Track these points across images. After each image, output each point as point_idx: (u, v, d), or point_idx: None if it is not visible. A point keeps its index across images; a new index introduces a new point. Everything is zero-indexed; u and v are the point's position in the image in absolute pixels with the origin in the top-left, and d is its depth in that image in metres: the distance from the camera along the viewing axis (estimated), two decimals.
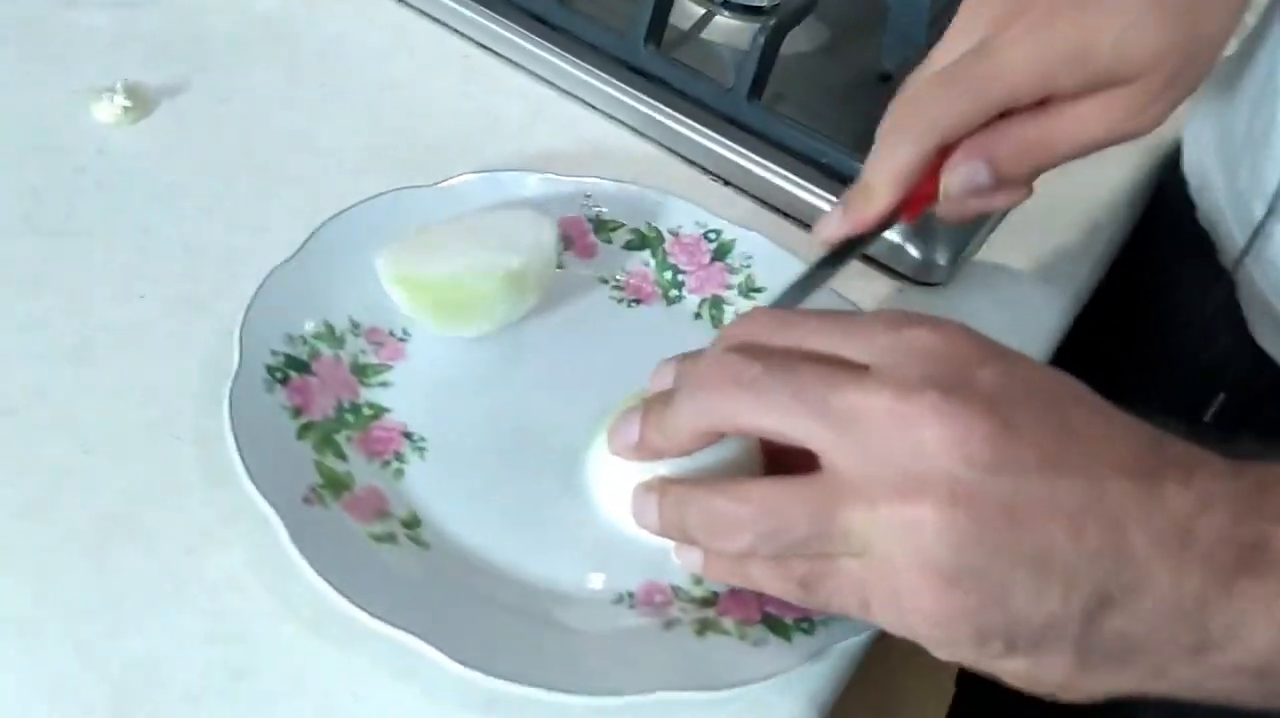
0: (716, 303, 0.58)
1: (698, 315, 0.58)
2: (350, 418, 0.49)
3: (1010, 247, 0.67)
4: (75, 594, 0.43)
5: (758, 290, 0.58)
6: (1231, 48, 0.77)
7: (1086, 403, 0.37)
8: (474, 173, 0.58)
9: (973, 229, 0.65)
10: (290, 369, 0.49)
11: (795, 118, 0.66)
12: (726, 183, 0.67)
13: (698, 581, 0.47)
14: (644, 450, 0.42)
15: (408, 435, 0.50)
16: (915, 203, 0.50)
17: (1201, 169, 0.65)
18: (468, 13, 0.71)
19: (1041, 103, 0.48)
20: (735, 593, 0.46)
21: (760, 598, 0.45)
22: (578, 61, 0.69)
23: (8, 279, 0.54)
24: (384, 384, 0.51)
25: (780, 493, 0.37)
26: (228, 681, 0.42)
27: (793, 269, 0.53)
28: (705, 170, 0.67)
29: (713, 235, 0.59)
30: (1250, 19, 0.82)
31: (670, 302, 0.58)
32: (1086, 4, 0.47)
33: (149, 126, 0.62)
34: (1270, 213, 0.56)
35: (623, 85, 0.68)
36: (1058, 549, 0.34)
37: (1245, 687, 0.36)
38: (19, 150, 0.60)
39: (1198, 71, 0.49)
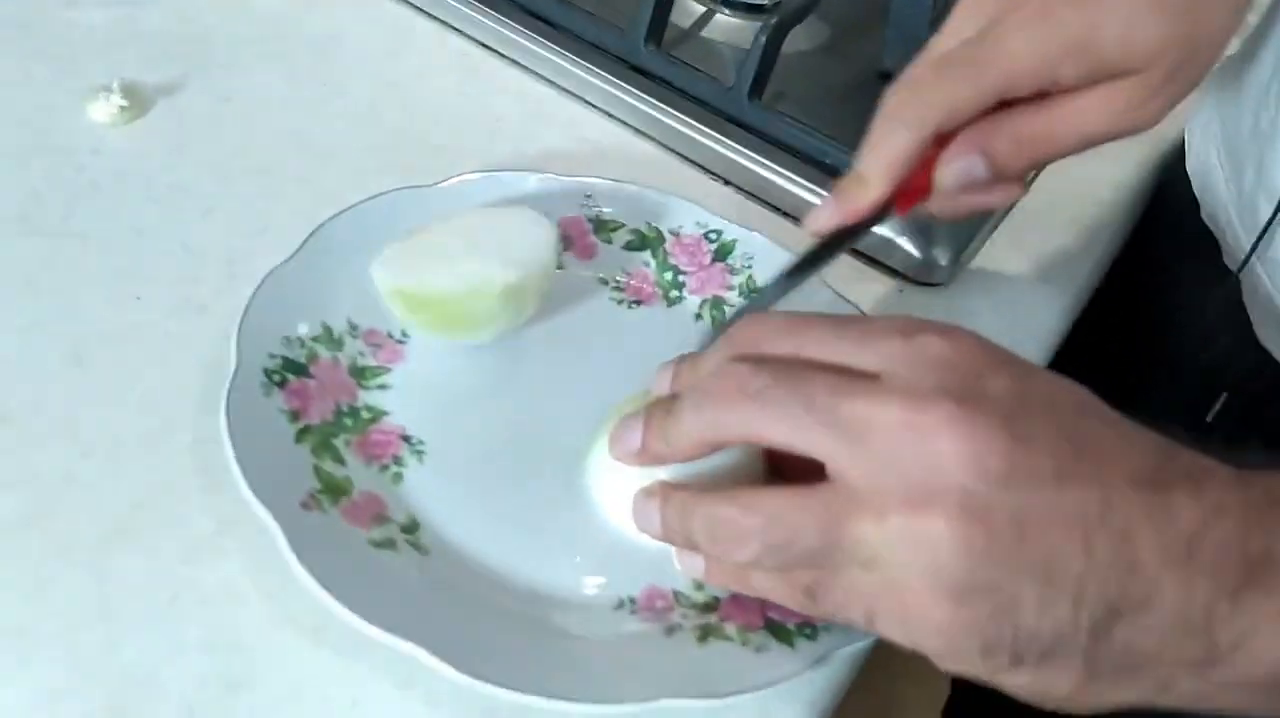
0: (717, 304, 0.57)
1: (699, 316, 0.57)
2: (349, 421, 0.49)
3: (1011, 246, 0.67)
4: (71, 603, 0.43)
5: (759, 292, 0.57)
6: (1234, 46, 0.76)
7: (1096, 413, 0.37)
8: (474, 173, 0.58)
9: (973, 229, 0.64)
10: (288, 372, 0.49)
11: (796, 117, 0.66)
12: (727, 182, 0.66)
13: (699, 586, 0.47)
14: (646, 457, 0.41)
15: (406, 439, 0.49)
16: (909, 196, 0.49)
17: (1205, 168, 0.65)
18: (468, 11, 0.71)
19: (1040, 96, 0.47)
20: (737, 598, 0.45)
21: (763, 603, 0.44)
22: (578, 60, 0.69)
23: (3, 281, 0.53)
24: (382, 387, 0.51)
25: (788, 503, 0.37)
26: (225, 691, 0.42)
27: None
28: (706, 170, 0.67)
29: (714, 236, 0.59)
30: (1253, 18, 0.82)
31: (671, 303, 0.58)
32: None
33: (145, 126, 0.62)
34: (1278, 212, 0.55)
35: (623, 84, 0.68)
36: (1067, 563, 0.34)
37: (1252, 700, 0.36)
38: (16, 150, 0.59)
39: (1199, 67, 0.48)
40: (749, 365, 0.38)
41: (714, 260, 0.58)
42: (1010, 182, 0.50)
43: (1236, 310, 0.60)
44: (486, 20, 0.70)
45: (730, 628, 0.45)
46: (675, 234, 0.59)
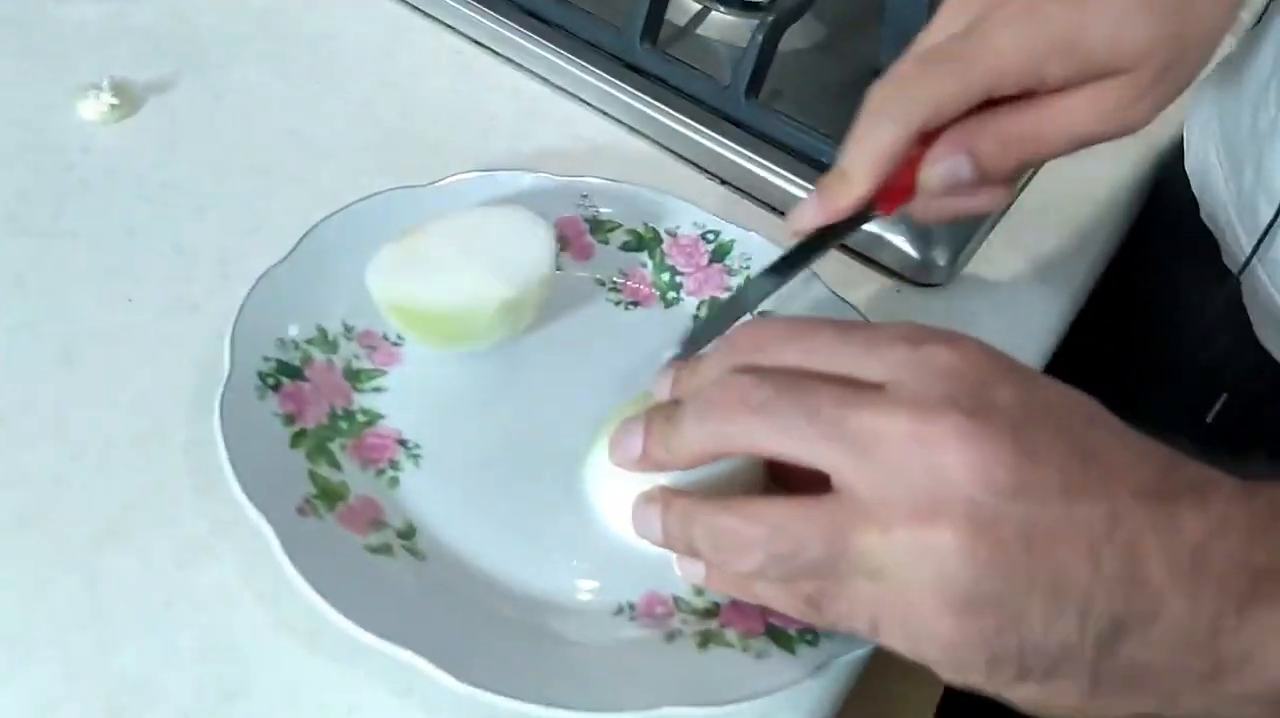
0: (715, 305, 0.57)
1: (696, 317, 0.57)
2: (344, 425, 0.48)
3: (1008, 247, 0.67)
4: (63, 610, 0.42)
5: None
6: (1231, 45, 0.76)
7: (1103, 423, 0.37)
8: (470, 172, 0.57)
9: (971, 229, 0.64)
10: (282, 375, 0.48)
11: (792, 115, 0.66)
12: (723, 182, 0.66)
13: (699, 591, 0.46)
14: (647, 463, 0.41)
15: (402, 443, 0.49)
16: (894, 195, 0.48)
17: (1204, 167, 0.65)
18: (463, 9, 0.70)
19: (1027, 95, 0.47)
20: (737, 604, 0.45)
21: (763, 609, 0.44)
22: (573, 58, 0.68)
23: None
24: (377, 390, 0.50)
25: (793, 514, 0.37)
26: (220, 699, 0.41)
27: None
28: (702, 169, 0.67)
29: (711, 236, 0.58)
30: (1245, 16, 0.82)
31: (668, 304, 0.57)
32: None
33: (136, 124, 0.61)
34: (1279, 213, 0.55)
35: (618, 82, 0.68)
36: (1074, 576, 0.34)
37: (1258, 714, 0.35)
38: (4, 149, 0.58)
39: (1189, 68, 0.48)
40: (752, 377, 0.38)
41: (711, 261, 0.58)
42: (995, 185, 0.49)
43: (1236, 311, 0.60)
44: (481, 18, 0.70)
45: (731, 634, 0.44)
46: (672, 234, 0.58)
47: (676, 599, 0.46)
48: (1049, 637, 0.34)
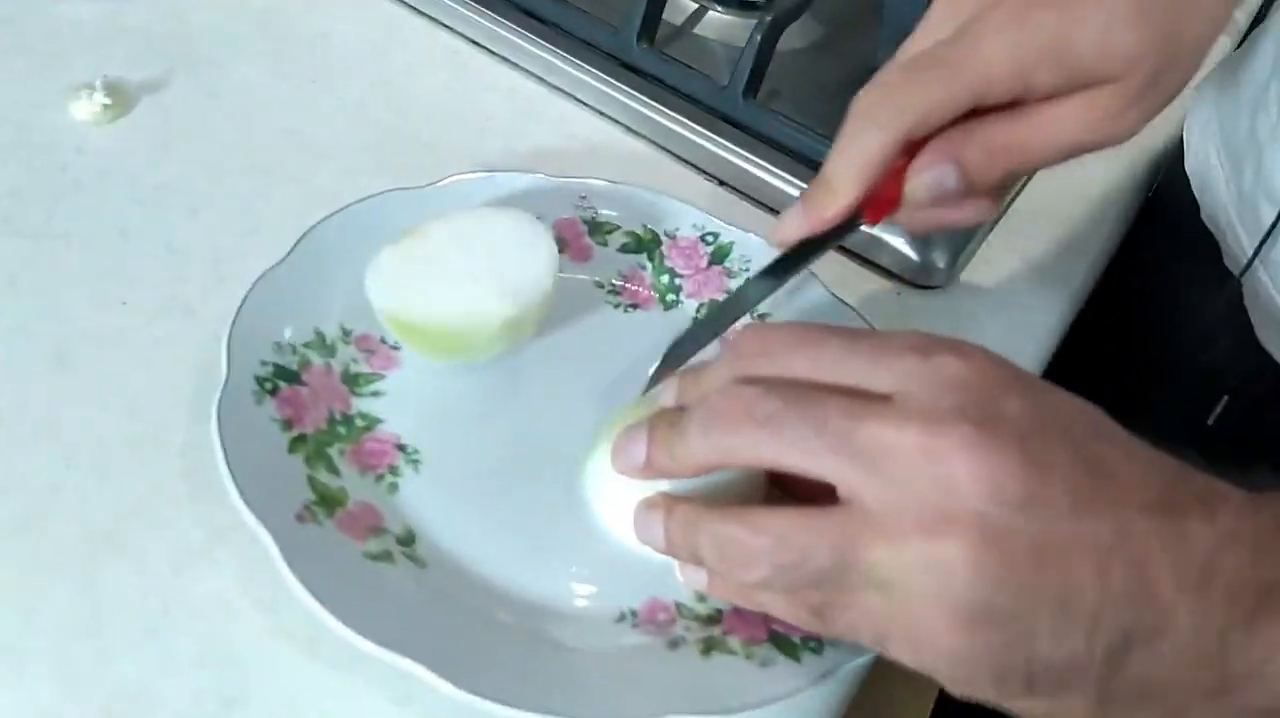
0: (714, 307, 0.57)
1: (696, 320, 0.56)
2: (342, 430, 0.48)
3: (1007, 248, 0.66)
4: (59, 618, 0.42)
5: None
6: (1228, 46, 0.76)
7: (1111, 435, 0.36)
8: (468, 173, 0.57)
9: (970, 231, 0.64)
10: (280, 379, 0.48)
11: (790, 116, 0.65)
12: (721, 182, 0.66)
13: (701, 598, 0.46)
14: (650, 471, 0.41)
15: (401, 448, 0.48)
16: (879, 205, 0.48)
17: (1205, 168, 0.64)
18: (458, 8, 0.70)
19: (1015, 104, 0.46)
20: (740, 610, 0.45)
21: (767, 616, 0.44)
22: (569, 58, 0.68)
23: None
24: (376, 394, 0.50)
25: (800, 525, 0.36)
26: (219, 707, 0.41)
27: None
28: (699, 169, 0.66)
29: (710, 238, 0.58)
30: (1240, 16, 0.82)
31: (668, 306, 0.57)
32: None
33: (130, 124, 0.61)
34: None
35: (615, 82, 0.67)
36: (1083, 591, 0.33)
37: None
38: None
39: (1177, 78, 0.47)
40: (758, 389, 0.37)
41: (711, 263, 0.57)
42: (982, 197, 0.49)
43: (1237, 313, 0.60)
44: (477, 17, 0.69)
45: (734, 641, 0.44)
46: (671, 236, 0.58)
47: (679, 606, 0.46)
48: (1057, 651, 0.34)
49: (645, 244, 0.58)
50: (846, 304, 0.56)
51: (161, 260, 0.54)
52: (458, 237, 0.50)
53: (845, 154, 0.46)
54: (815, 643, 0.44)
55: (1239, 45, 0.73)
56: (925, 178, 0.46)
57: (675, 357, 0.48)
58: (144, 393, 0.49)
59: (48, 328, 0.51)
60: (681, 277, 0.57)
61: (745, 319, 0.54)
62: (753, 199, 0.65)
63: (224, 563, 0.44)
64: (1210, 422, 0.62)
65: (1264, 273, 0.57)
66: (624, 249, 0.57)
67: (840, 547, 0.35)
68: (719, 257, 0.58)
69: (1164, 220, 0.70)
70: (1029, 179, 0.69)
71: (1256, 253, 0.56)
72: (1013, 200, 0.68)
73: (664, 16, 0.68)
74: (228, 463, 0.43)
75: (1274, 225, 0.55)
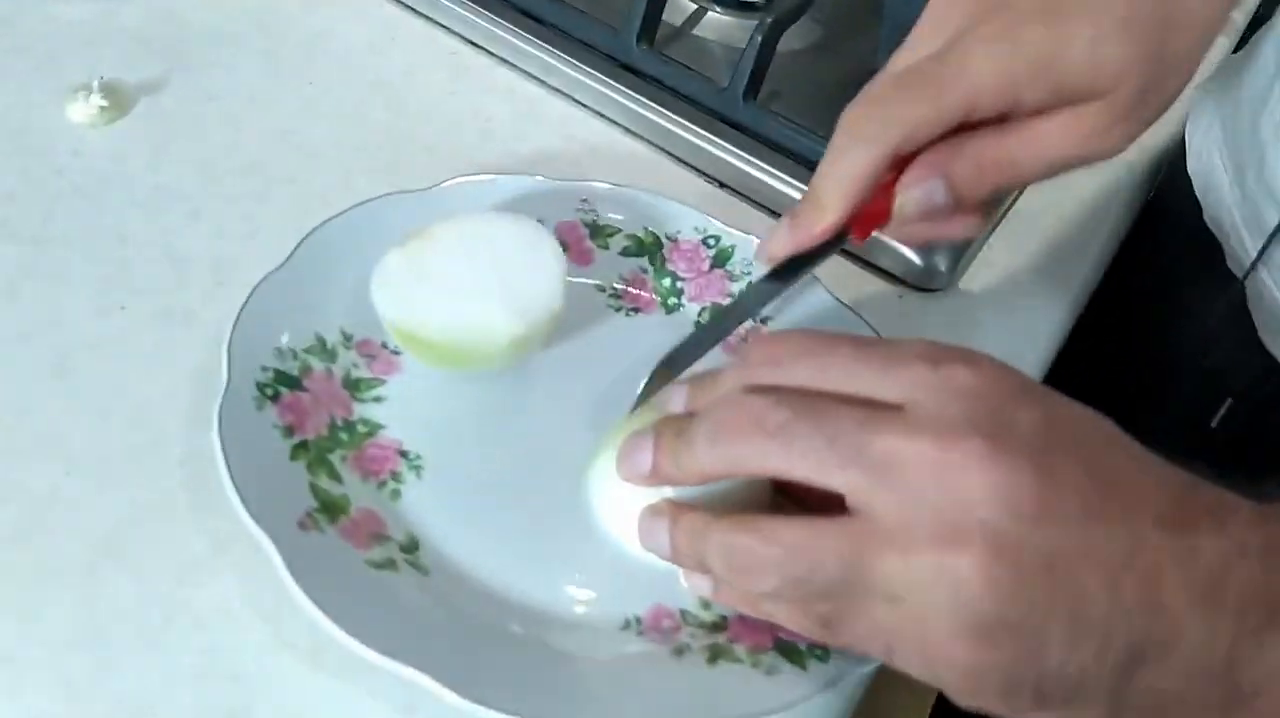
0: (720, 307, 0.56)
1: (698, 324, 0.56)
2: (344, 436, 0.48)
3: (1009, 251, 0.66)
4: (59, 629, 0.42)
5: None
6: (1225, 47, 0.76)
7: (1121, 446, 0.36)
8: (468, 177, 0.56)
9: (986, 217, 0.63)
10: (281, 385, 0.47)
11: (790, 117, 0.65)
12: (721, 185, 0.65)
13: (706, 604, 0.46)
14: (656, 479, 0.40)
15: (403, 454, 0.48)
16: (867, 221, 0.47)
17: (1207, 169, 0.64)
18: (457, 9, 0.69)
19: (1003, 120, 0.46)
20: (746, 617, 0.44)
21: (772, 623, 0.43)
22: (569, 59, 0.68)
23: None
24: (377, 399, 0.49)
25: (810, 535, 0.36)
26: None
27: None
28: (699, 172, 0.66)
29: (712, 241, 0.58)
30: (1238, 16, 0.82)
31: (669, 310, 0.57)
32: (1055, 14, 0.44)
33: (127, 127, 0.60)
34: None
35: (615, 84, 0.67)
36: (1094, 604, 0.33)
37: None
38: None
39: (1166, 93, 0.47)
40: (768, 398, 0.37)
41: (713, 267, 0.57)
42: (970, 212, 0.48)
43: (1240, 315, 0.60)
44: (476, 18, 0.69)
45: (740, 649, 0.44)
46: (673, 239, 0.58)
47: (683, 613, 0.45)
48: (1067, 665, 0.34)
49: (647, 247, 0.57)
50: (849, 308, 0.56)
51: (160, 264, 0.54)
52: (465, 242, 0.50)
53: (833, 170, 0.46)
54: (821, 650, 0.43)
55: (1237, 46, 0.73)
56: (914, 193, 0.46)
57: (674, 364, 0.47)
58: (144, 400, 0.49)
59: (47, 334, 0.50)
60: (683, 280, 0.57)
61: (748, 323, 0.54)
62: (753, 201, 0.65)
63: (226, 572, 0.44)
64: (1213, 424, 0.62)
65: (1268, 275, 0.57)
66: (625, 253, 0.57)
67: (851, 558, 0.35)
68: (720, 260, 0.57)
69: (1165, 222, 0.70)
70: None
71: (1260, 255, 0.56)
72: (1013, 203, 0.68)
73: (663, 17, 0.68)
74: (229, 471, 0.43)
75: (1278, 228, 0.55)
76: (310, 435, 0.47)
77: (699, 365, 0.47)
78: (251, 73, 0.65)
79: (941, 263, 0.62)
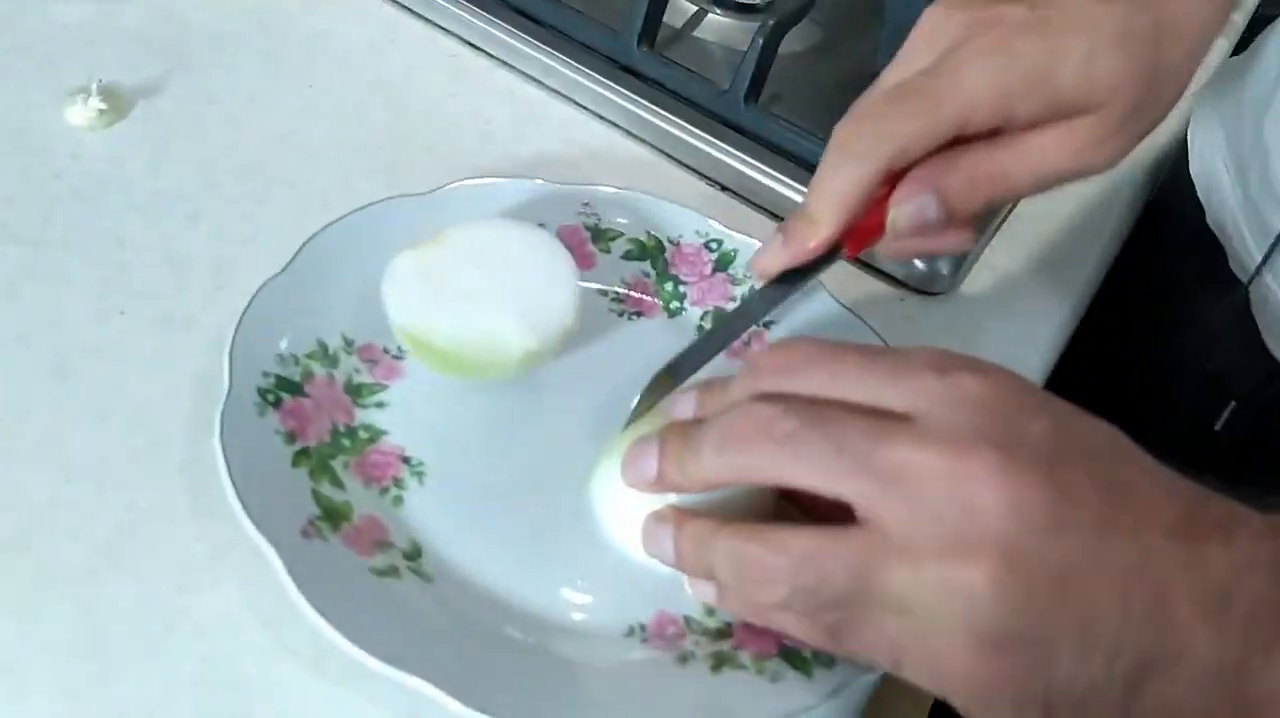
0: (719, 315, 0.56)
1: (700, 328, 0.56)
2: (346, 442, 0.47)
3: (1010, 253, 0.66)
4: (60, 636, 0.41)
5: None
6: (1224, 48, 0.76)
7: (1132, 457, 0.36)
8: (468, 180, 0.56)
9: (977, 231, 0.63)
10: (283, 391, 0.47)
11: (791, 119, 0.65)
12: (723, 188, 0.65)
13: (710, 611, 0.45)
14: (661, 486, 0.40)
15: (406, 460, 0.48)
16: (860, 236, 0.47)
17: (1210, 171, 0.64)
18: (457, 10, 0.69)
19: (995, 134, 0.45)
20: (750, 623, 0.44)
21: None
22: (569, 61, 0.67)
23: None
24: (379, 405, 0.49)
25: (820, 546, 0.36)
26: None
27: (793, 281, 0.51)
28: (700, 174, 0.66)
29: (714, 245, 0.57)
30: (1237, 17, 0.82)
31: (672, 314, 0.56)
32: (1047, 27, 0.44)
33: (126, 129, 0.60)
34: None
35: (615, 86, 0.67)
36: (1104, 617, 0.33)
37: None
38: None
39: (1159, 106, 0.47)
40: (777, 407, 0.37)
41: (715, 270, 0.57)
42: (962, 227, 0.48)
43: (1243, 318, 0.60)
44: (476, 20, 0.69)
45: (744, 656, 0.43)
46: (675, 243, 0.57)
47: (687, 620, 0.45)
48: (1077, 677, 0.34)
49: (649, 251, 0.57)
50: (852, 312, 0.56)
51: (160, 268, 0.54)
52: (478, 250, 0.49)
53: (826, 185, 0.46)
54: (827, 657, 0.43)
55: (1235, 48, 0.73)
56: (907, 208, 0.46)
57: (676, 371, 0.47)
58: (144, 404, 0.48)
59: (46, 338, 0.50)
60: (686, 284, 0.57)
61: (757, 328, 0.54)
62: (754, 204, 0.65)
63: (227, 580, 0.44)
64: (1217, 427, 0.62)
65: (1272, 279, 0.57)
66: (628, 256, 0.57)
67: (860, 568, 0.35)
68: (723, 264, 0.57)
69: (1168, 224, 0.70)
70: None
71: (1265, 260, 0.56)
72: (1014, 206, 0.68)
73: (663, 19, 0.67)
74: (231, 477, 0.42)
75: None
76: (312, 442, 0.46)
77: (702, 372, 0.47)
78: (251, 74, 0.65)
79: (943, 266, 0.61)
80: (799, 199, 0.62)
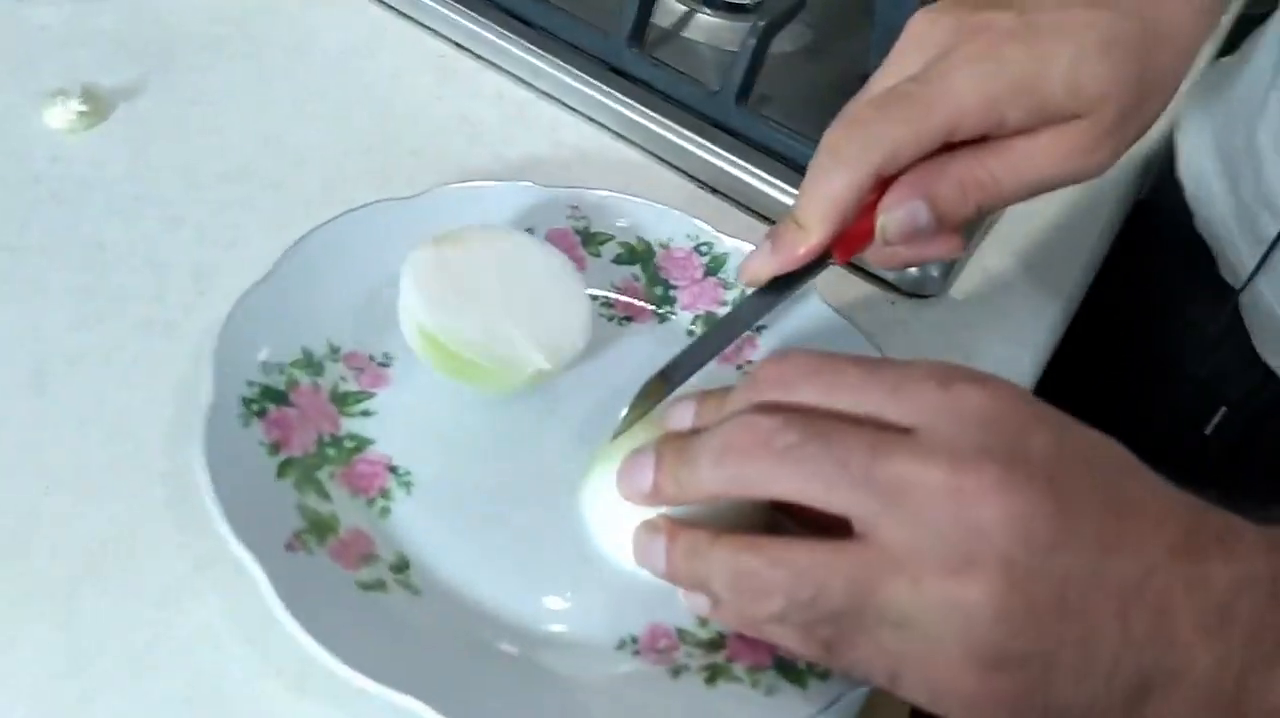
0: (710, 320, 0.55)
1: (691, 333, 0.55)
2: (331, 452, 0.46)
3: (1000, 256, 0.66)
4: (38, 655, 0.40)
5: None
6: (1210, 52, 0.76)
7: (1134, 472, 0.36)
8: (456, 184, 0.55)
9: (965, 237, 0.63)
10: (267, 400, 0.46)
11: (781, 121, 0.64)
12: (714, 190, 0.65)
13: (703, 622, 0.45)
14: (656, 499, 0.39)
15: (392, 469, 0.47)
16: (849, 242, 0.47)
17: (1198, 175, 0.64)
18: (444, 11, 0.68)
19: (984, 140, 0.45)
20: (744, 634, 0.43)
21: None
22: (558, 62, 0.67)
23: None
24: (365, 413, 0.48)
25: (816, 559, 0.35)
26: None
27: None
28: (690, 176, 0.65)
29: (705, 248, 0.57)
30: (1227, 20, 0.81)
31: (662, 319, 0.56)
32: (1035, 34, 0.44)
33: (105, 132, 0.59)
34: None
35: (605, 87, 0.66)
36: (1104, 635, 0.33)
37: None
38: None
39: (1147, 113, 0.47)
40: (776, 419, 0.36)
41: (706, 274, 0.56)
42: (951, 233, 0.48)
43: (1235, 323, 0.59)
44: (463, 21, 0.68)
45: (739, 668, 0.43)
46: (665, 247, 0.57)
47: (680, 631, 0.44)
48: (1076, 696, 0.33)
49: (639, 255, 0.56)
50: (844, 317, 0.55)
51: (141, 274, 0.53)
52: (499, 258, 0.49)
53: (815, 192, 0.45)
54: (822, 669, 0.42)
55: (1221, 50, 0.73)
56: (896, 214, 0.45)
57: (667, 377, 0.46)
58: (125, 415, 0.47)
59: (24, 347, 0.49)
60: (676, 288, 0.56)
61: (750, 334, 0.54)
62: (744, 206, 0.64)
63: (209, 595, 0.43)
64: (1207, 432, 0.61)
65: (1264, 284, 0.57)
66: (618, 260, 0.56)
67: (858, 583, 0.34)
68: (714, 268, 0.56)
69: (1157, 226, 0.70)
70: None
71: (1259, 266, 0.55)
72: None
73: (652, 19, 0.66)
74: (214, 490, 0.41)
75: (1278, 238, 0.54)
76: (297, 452, 0.45)
77: (693, 379, 0.46)
78: (233, 76, 0.64)
79: (934, 269, 0.61)
80: (789, 201, 0.62)
